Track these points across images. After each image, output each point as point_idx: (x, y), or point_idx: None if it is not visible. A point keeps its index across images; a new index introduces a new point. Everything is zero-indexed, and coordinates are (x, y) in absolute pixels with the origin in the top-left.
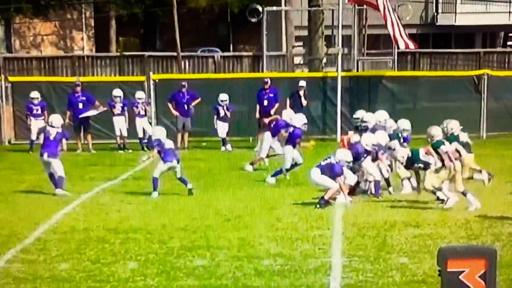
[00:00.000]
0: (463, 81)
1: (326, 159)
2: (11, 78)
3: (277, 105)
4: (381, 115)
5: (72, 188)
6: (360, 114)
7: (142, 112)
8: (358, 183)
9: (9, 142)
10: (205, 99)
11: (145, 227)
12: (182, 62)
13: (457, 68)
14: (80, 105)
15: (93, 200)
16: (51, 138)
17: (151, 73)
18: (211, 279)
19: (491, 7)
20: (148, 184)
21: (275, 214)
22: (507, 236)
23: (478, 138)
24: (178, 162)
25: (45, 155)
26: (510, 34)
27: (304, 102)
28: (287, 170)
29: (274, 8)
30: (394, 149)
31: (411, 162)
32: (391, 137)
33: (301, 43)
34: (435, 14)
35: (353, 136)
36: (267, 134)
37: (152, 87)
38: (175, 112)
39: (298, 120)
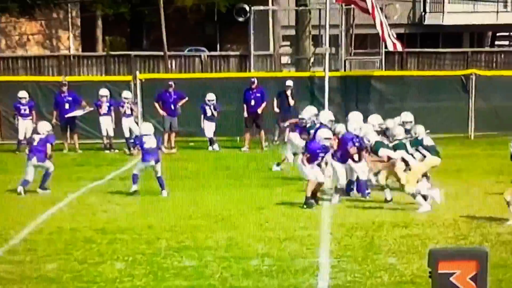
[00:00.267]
0: (451, 80)
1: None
2: None
3: (264, 104)
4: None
5: (59, 188)
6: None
7: (129, 112)
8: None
9: None
10: (192, 98)
11: (132, 228)
12: (169, 62)
13: (445, 68)
14: (67, 105)
15: (80, 200)
16: (35, 143)
17: (137, 73)
18: (199, 279)
19: (478, 7)
20: None
21: (263, 214)
22: (495, 236)
23: (466, 138)
24: (156, 162)
25: (34, 159)
26: (498, 34)
27: (292, 102)
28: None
29: (261, 7)
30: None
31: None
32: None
33: (288, 43)
34: (423, 13)
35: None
36: (293, 135)
37: (138, 86)
38: (162, 112)
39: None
